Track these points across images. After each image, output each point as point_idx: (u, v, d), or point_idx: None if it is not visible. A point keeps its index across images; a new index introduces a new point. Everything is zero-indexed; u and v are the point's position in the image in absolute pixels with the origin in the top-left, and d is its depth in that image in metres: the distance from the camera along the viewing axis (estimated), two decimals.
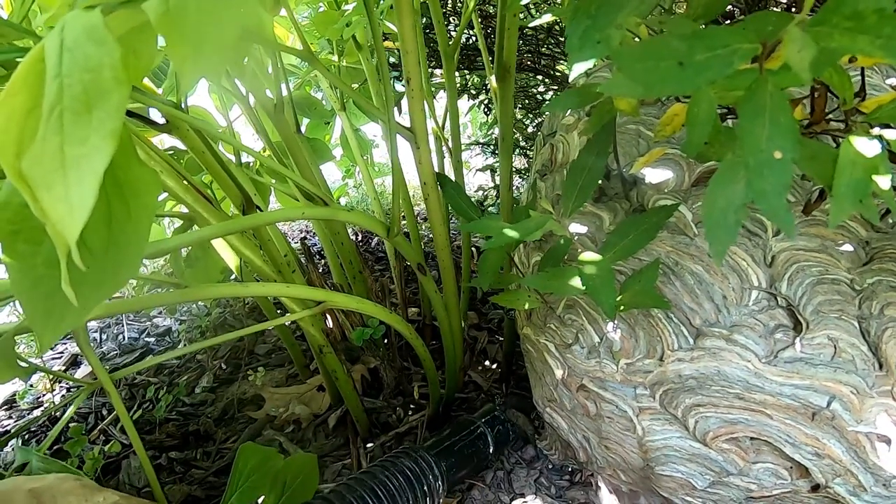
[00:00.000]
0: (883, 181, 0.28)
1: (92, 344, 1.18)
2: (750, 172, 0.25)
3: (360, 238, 1.60)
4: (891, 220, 0.50)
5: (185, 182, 0.62)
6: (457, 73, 1.39)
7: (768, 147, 0.25)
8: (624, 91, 0.33)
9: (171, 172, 0.58)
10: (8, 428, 0.90)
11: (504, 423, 0.74)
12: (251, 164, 1.00)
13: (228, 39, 0.22)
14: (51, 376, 1.03)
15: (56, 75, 0.23)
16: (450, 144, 0.88)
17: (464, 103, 1.52)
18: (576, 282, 0.45)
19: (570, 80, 0.43)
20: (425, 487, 0.62)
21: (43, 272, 0.29)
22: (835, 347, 0.46)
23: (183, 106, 0.61)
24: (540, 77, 1.46)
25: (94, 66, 0.23)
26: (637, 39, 0.38)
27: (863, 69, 0.37)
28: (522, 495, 0.69)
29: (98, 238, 0.30)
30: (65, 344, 1.22)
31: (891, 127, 0.31)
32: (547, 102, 1.40)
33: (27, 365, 0.44)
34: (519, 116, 1.57)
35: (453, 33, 1.17)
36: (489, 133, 1.77)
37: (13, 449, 0.68)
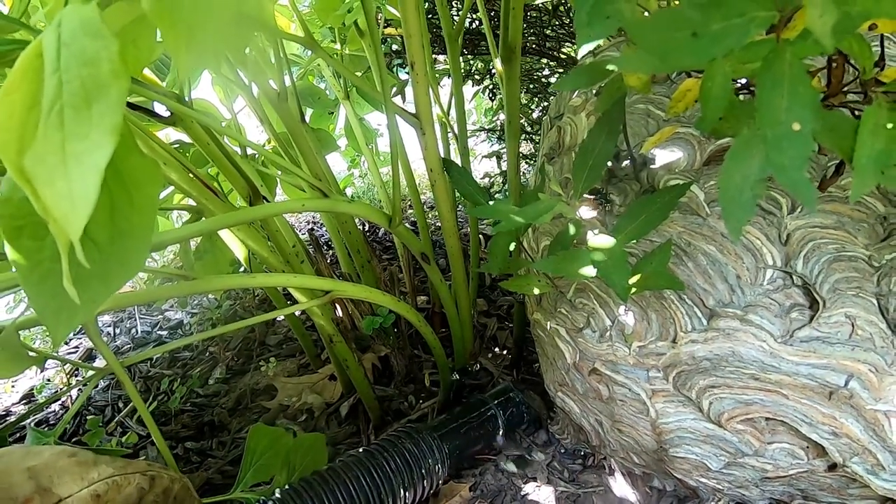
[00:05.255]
0: None
1: (105, 338, 1.20)
2: (768, 146, 0.24)
3: (367, 228, 1.60)
4: None
5: (190, 175, 0.62)
6: (460, 59, 1.37)
7: (787, 119, 0.24)
8: (637, 66, 0.32)
9: (176, 165, 0.57)
10: (27, 423, 0.91)
11: (518, 404, 0.73)
12: (257, 156, 1.00)
13: (224, 25, 0.22)
14: (67, 371, 1.04)
15: (54, 70, 0.23)
16: (455, 131, 0.87)
17: (468, 90, 1.50)
18: (587, 265, 0.44)
19: (578, 56, 0.42)
20: (423, 470, 0.62)
21: (50, 267, 0.29)
22: (852, 325, 0.45)
23: (187, 99, 0.61)
24: (545, 60, 1.44)
25: (91, 60, 0.23)
26: (647, 14, 0.37)
27: (882, 37, 0.36)
28: (535, 479, 0.69)
29: (102, 230, 0.30)
30: (80, 339, 1.23)
31: None
32: (554, 82, 1.38)
33: (36, 354, 0.45)
34: (524, 101, 1.55)
35: (457, 17, 1.15)
36: (494, 119, 1.75)
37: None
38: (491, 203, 0.54)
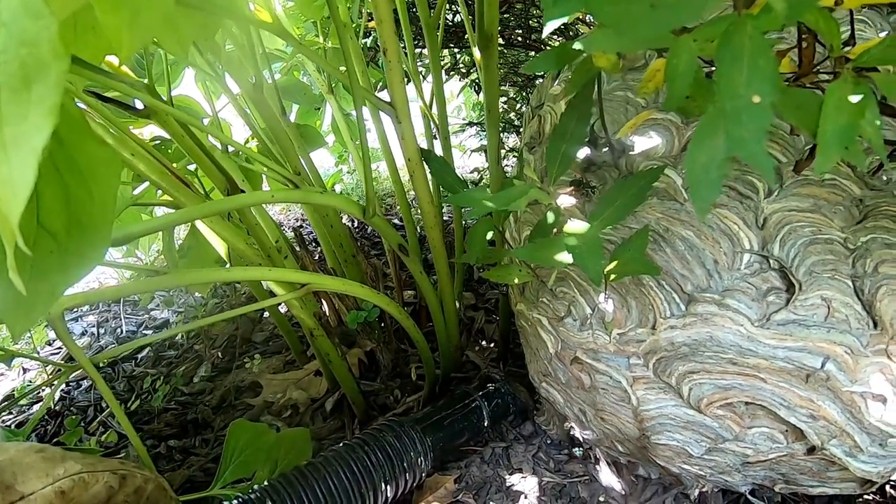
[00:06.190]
0: (870, 125, 0.26)
1: (90, 338, 1.18)
2: (727, 119, 0.24)
3: (356, 224, 1.59)
4: (884, 177, 0.49)
5: (166, 171, 0.61)
6: (446, 52, 1.37)
7: (746, 92, 0.24)
8: (601, 45, 0.32)
9: (150, 160, 0.56)
10: (8, 423, 0.90)
11: (504, 396, 0.73)
12: (240, 153, 0.98)
13: (167, 6, 0.21)
14: (49, 373, 1.03)
15: None
16: (437, 122, 0.86)
17: (455, 84, 1.50)
18: (563, 251, 0.44)
19: (542, 36, 0.42)
20: (405, 464, 0.62)
21: (3, 259, 0.28)
22: (828, 308, 0.45)
23: (170, 93, 0.60)
24: (532, 53, 1.44)
25: (31, 40, 0.22)
26: None
27: (852, 13, 0.36)
28: (521, 470, 0.68)
29: (57, 221, 0.29)
30: None
31: (879, 71, 0.30)
32: (525, 64, 1.37)
33: (3, 351, 0.44)
34: (511, 95, 1.55)
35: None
36: (482, 114, 1.75)
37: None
38: (466, 190, 0.54)
